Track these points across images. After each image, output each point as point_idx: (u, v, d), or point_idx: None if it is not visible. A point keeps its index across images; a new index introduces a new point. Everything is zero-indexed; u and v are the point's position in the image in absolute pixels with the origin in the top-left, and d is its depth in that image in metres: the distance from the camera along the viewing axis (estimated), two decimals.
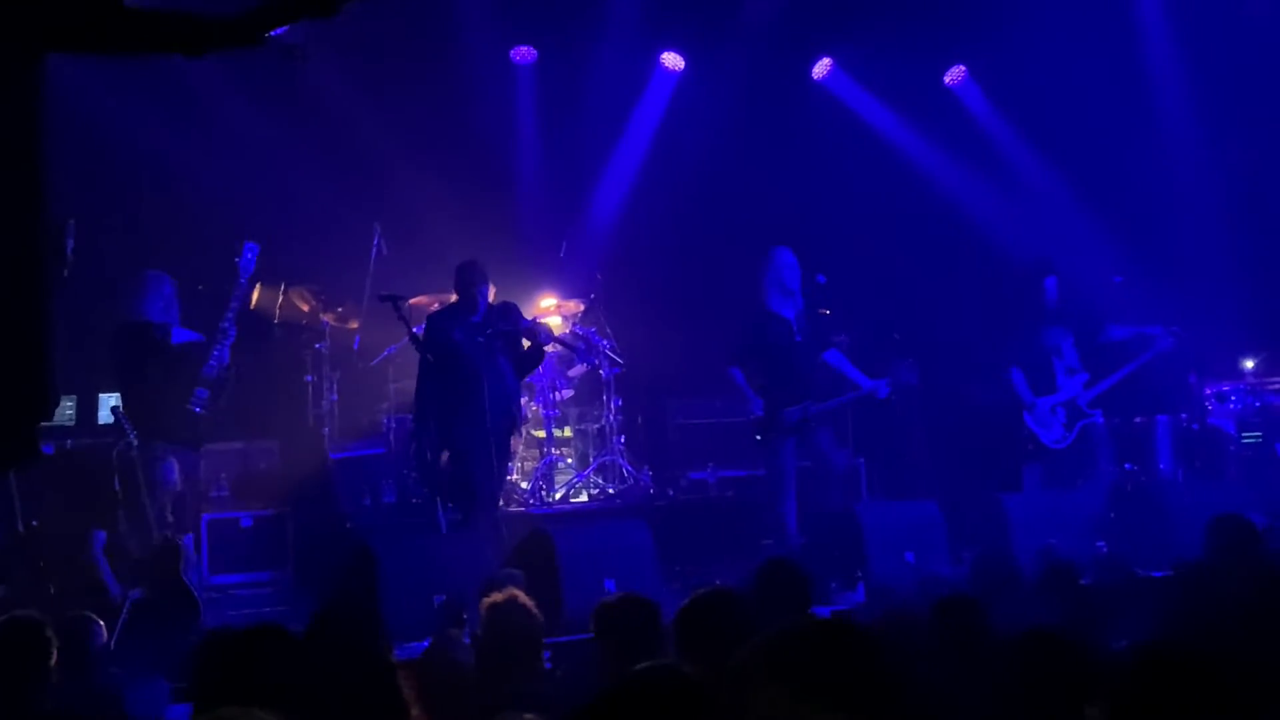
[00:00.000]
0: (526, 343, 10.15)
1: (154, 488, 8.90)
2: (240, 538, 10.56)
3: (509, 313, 10.09)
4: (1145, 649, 2.62)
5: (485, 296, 9.93)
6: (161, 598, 8.21)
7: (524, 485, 11.87)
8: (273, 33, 3.55)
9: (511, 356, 10.05)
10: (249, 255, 9.73)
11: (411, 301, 11.14)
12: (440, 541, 9.29)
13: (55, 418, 8.99)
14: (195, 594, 8.38)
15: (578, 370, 12.38)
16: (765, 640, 3.40)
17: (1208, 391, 12.66)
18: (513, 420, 10.16)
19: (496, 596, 5.83)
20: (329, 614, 5.26)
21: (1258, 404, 12.62)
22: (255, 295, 10.70)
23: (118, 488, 8.60)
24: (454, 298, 10.07)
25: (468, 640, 6.91)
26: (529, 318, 10.55)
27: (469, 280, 9.88)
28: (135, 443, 8.58)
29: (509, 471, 11.02)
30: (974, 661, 4.96)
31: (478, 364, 9.72)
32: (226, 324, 9.57)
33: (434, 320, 10.00)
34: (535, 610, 5.80)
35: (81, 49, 3.63)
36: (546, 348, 10.47)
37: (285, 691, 3.93)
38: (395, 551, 8.44)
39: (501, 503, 10.26)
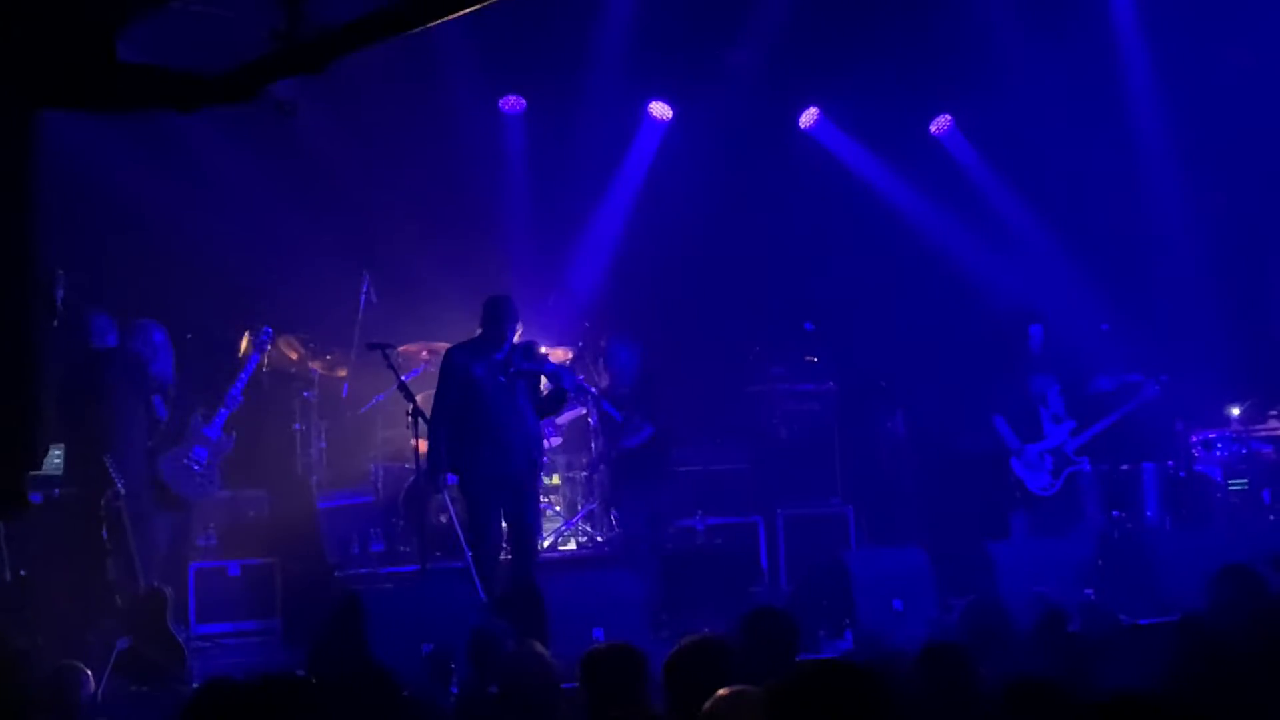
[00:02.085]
0: (545, 385, 10.09)
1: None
2: (228, 586, 10.52)
3: (532, 352, 9.95)
4: (1122, 698, 2.63)
5: (513, 335, 9.71)
6: (148, 646, 8.19)
7: None
8: (264, 88, 3.59)
9: (532, 398, 9.90)
10: (264, 339, 9.99)
11: (401, 349, 11.17)
12: (428, 591, 9.25)
13: (43, 467, 9.07)
14: (181, 643, 8.36)
15: (566, 417, 12.37)
16: (773, 686, 3.44)
17: (1194, 439, 12.70)
18: (534, 464, 9.89)
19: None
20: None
21: (1244, 451, 12.65)
22: (244, 343, 10.73)
23: (105, 536, 8.58)
24: (478, 331, 9.74)
25: (455, 690, 6.91)
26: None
27: (500, 316, 9.60)
28: (123, 491, 8.58)
29: (539, 514, 10.70)
30: (961, 709, 4.96)
31: (499, 403, 9.54)
32: (235, 392, 9.80)
33: (455, 356, 9.66)
34: (552, 661, 5.80)
35: (74, 105, 3.65)
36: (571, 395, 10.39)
37: None
38: (383, 601, 8.43)
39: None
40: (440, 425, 9.48)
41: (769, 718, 3.43)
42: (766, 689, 3.61)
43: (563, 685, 5.80)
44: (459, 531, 9.42)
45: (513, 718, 5.70)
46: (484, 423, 9.48)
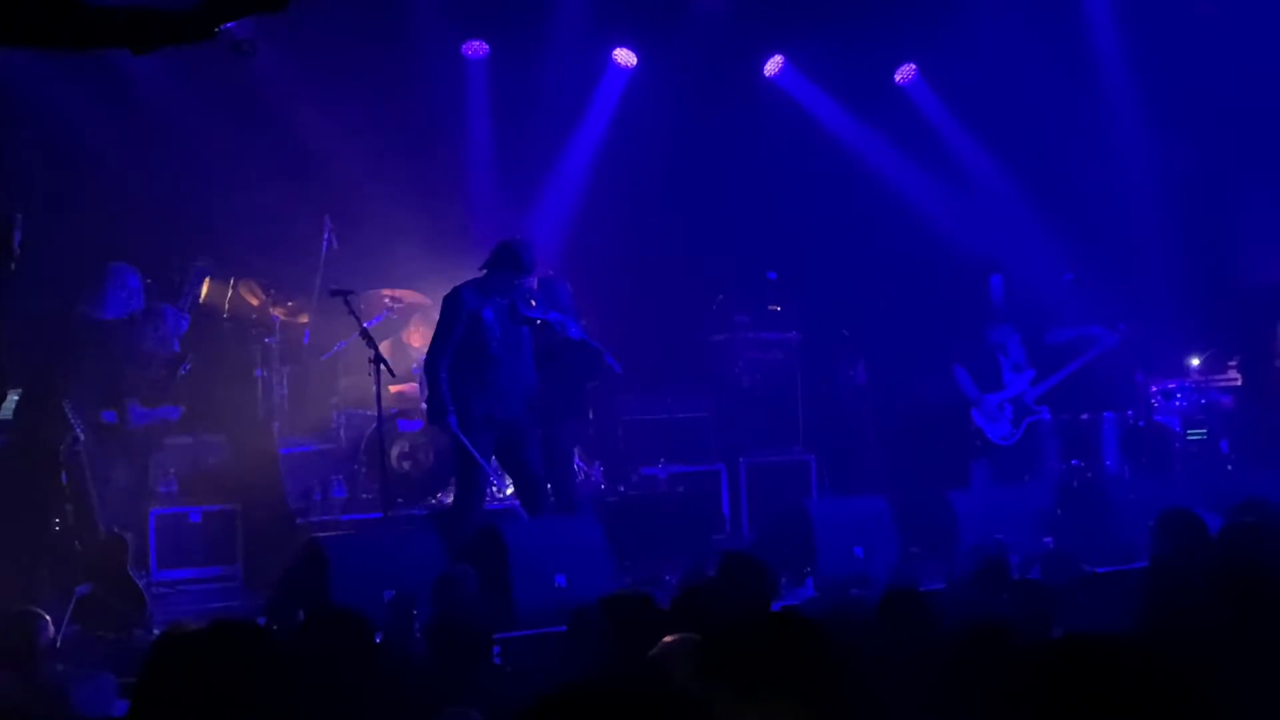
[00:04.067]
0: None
1: None
2: (189, 533, 10.49)
3: (535, 296, 9.74)
4: (1062, 642, 2.64)
5: (522, 282, 9.51)
6: (108, 592, 8.16)
7: None
8: (222, 27, 3.53)
9: (533, 346, 9.77)
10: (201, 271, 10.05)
11: (363, 296, 11.11)
12: (390, 538, 9.25)
13: (3, 411, 9.00)
14: (142, 589, 8.34)
15: None
16: (711, 638, 3.45)
17: (1154, 389, 12.80)
18: (532, 409, 9.71)
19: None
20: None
21: (1203, 401, 12.77)
22: (205, 289, 10.65)
23: (65, 482, 8.54)
24: (483, 272, 9.49)
25: (419, 635, 6.92)
26: None
27: (519, 262, 9.39)
28: (82, 437, 8.52)
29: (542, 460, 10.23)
30: (919, 653, 5.00)
31: (503, 348, 9.42)
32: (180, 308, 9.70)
33: (465, 295, 9.38)
34: (480, 605, 5.82)
35: (30, 43, 3.60)
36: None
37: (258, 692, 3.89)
38: (345, 547, 8.42)
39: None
40: (441, 365, 9.31)
41: (702, 669, 3.44)
42: (701, 640, 3.62)
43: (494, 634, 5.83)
44: (490, 473, 9.38)
45: (441, 659, 5.72)
46: (484, 366, 9.35)
